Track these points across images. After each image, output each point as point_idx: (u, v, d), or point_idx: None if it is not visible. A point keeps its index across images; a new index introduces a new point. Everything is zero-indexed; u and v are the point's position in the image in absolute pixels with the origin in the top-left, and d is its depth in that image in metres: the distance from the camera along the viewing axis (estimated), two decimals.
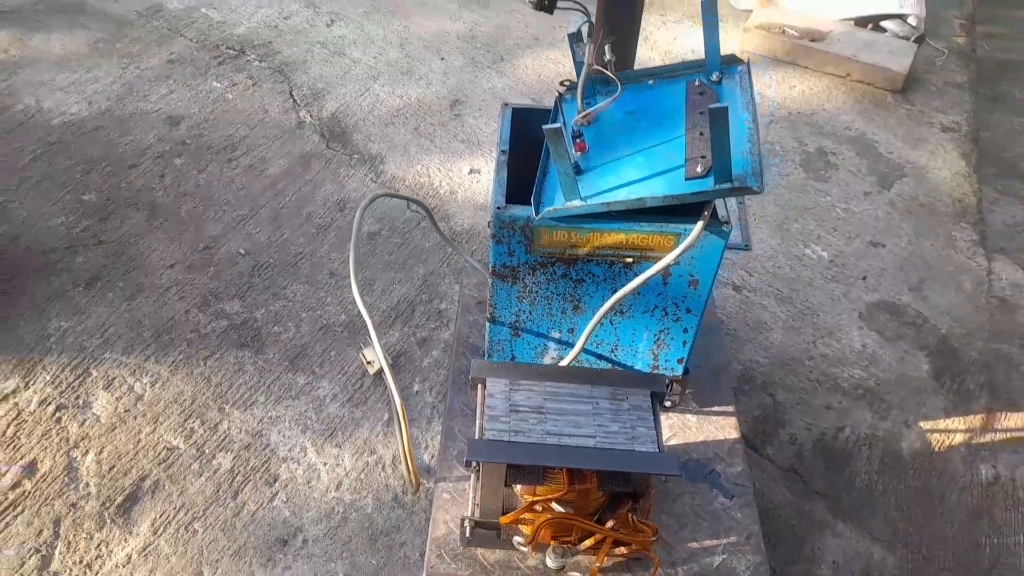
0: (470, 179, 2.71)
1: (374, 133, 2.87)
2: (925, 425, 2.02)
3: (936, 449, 1.97)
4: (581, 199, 1.36)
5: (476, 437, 1.36)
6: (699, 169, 1.32)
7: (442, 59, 3.24)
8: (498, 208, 1.42)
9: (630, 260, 1.45)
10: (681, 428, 1.76)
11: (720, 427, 1.76)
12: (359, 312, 2.16)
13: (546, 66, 3.24)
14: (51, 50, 3.09)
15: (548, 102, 3.04)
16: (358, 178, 2.67)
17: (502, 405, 1.39)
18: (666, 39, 3.45)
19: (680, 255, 1.38)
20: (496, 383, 1.43)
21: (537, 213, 1.40)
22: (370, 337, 1.55)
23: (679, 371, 1.67)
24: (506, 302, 1.57)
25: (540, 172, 1.47)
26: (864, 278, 2.41)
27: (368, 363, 2.07)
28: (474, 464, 1.53)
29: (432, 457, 1.88)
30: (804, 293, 2.36)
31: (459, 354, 1.92)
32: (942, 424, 2.03)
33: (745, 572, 1.50)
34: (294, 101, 2.97)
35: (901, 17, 3.35)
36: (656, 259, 1.43)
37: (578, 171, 1.42)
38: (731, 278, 2.38)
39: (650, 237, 1.41)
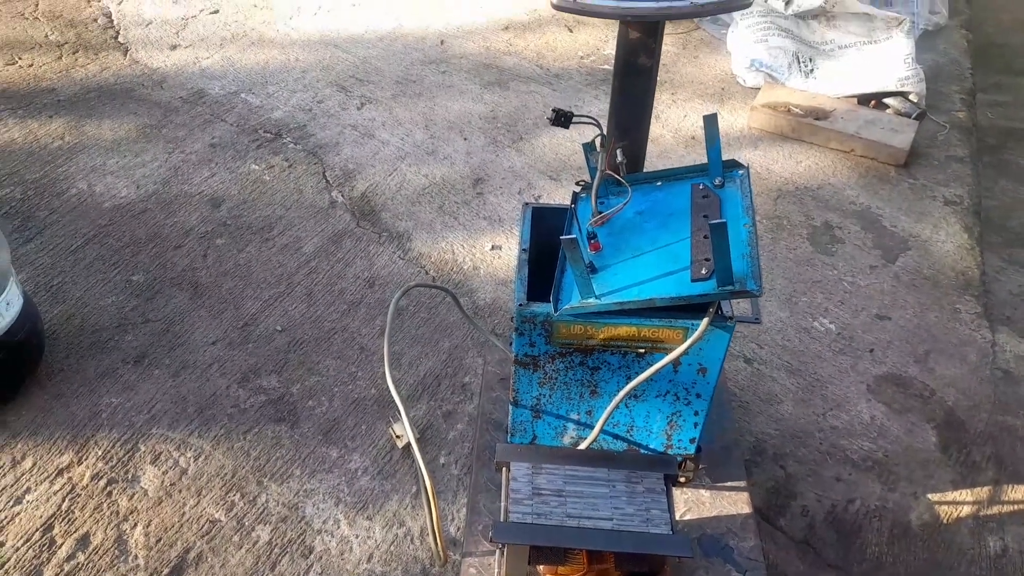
0: (492, 255, 2.86)
1: (401, 212, 3.04)
2: (933, 497, 2.09)
3: (944, 521, 2.04)
4: (596, 297, 1.50)
5: (501, 519, 1.47)
6: (703, 272, 1.45)
7: (465, 139, 3.44)
8: (520, 305, 1.56)
9: (642, 350, 1.58)
10: (695, 503, 1.85)
11: (733, 502, 1.85)
12: (388, 387, 2.30)
13: (563, 144, 3.42)
14: (102, 136, 3.33)
15: (565, 180, 3.24)
16: (387, 255, 2.84)
17: (525, 488, 1.50)
18: (676, 117, 3.63)
19: (688, 348, 1.50)
20: (519, 467, 1.54)
21: (556, 310, 1.53)
22: (403, 421, 1.68)
23: (691, 450, 1.77)
24: (528, 387, 1.69)
25: (558, 271, 1.61)
26: (871, 351, 2.50)
27: (397, 437, 2.19)
28: (498, 543, 1.64)
29: (458, 529, 1.98)
30: (813, 365, 2.45)
31: (483, 431, 2.04)
32: (950, 496, 2.10)
33: None
34: (327, 182, 3.17)
35: (902, 94, 3.51)
36: (666, 350, 1.55)
37: (593, 270, 1.56)
38: (742, 351, 2.49)
39: (660, 331, 1.54)
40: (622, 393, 1.56)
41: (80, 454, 2.12)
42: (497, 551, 1.64)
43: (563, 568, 1.43)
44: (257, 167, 3.22)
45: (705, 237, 1.52)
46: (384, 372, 1.69)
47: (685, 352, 1.51)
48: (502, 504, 1.51)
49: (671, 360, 1.52)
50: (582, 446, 1.69)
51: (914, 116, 3.43)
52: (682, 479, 1.85)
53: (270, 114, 3.53)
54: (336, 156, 3.30)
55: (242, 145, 3.33)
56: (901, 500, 2.08)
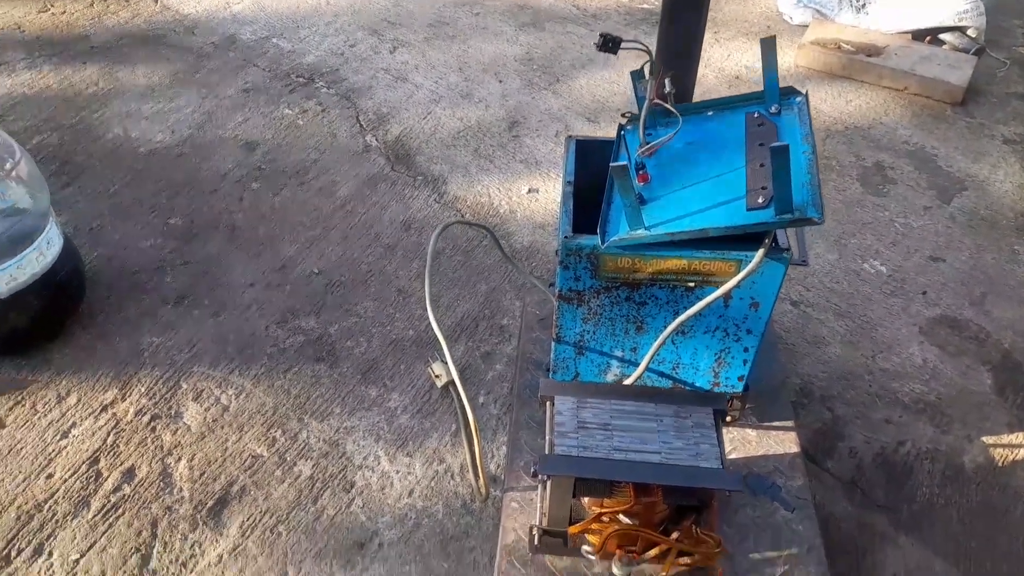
0: (529, 199, 2.81)
1: (436, 155, 2.99)
2: (988, 440, 2.03)
3: (1000, 464, 1.98)
4: (645, 228, 1.44)
5: (546, 452, 1.45)
6: (760, 200, 1.38)
7: (500, 82, 3.36)
8: (566, 237, 1.51)
9: (692, 284, 1.52)
10: (741, 442, 1.81)
11: (780, 441, 1.81)
12: (426, 327, 2.28)
13: (600, 86, 3.32)
14: (136, 82, 3.31)
15: (603, 121, 3.14)
16: (422, 199, 2.80)
17: (570, 422, 1.47)
18: (720, 56, 3.49)
19: (741, 281, 1.45)
20: (564, 401, 1.51)
21: (603, 242, 1.48)
22: (445, 357, 1.65)
23: (739, 388, 1.73)
24: (571, 323, 1.65)
25: (605, 202, 1.55)
26: (924, 293, 2.42)
27: (436, 376, 2.18)
28: (542, 476, 1.62)
29: (498, 467, 1.98)
30: (862, 308, 2.38)
31: (523, 369, 2.01)
32: (1005, 439, 2.03)
33: None
34: (361, 126, 3.12)
35: (960, 29, 3.33)
36: (718, 283, 1.50)
37: (642, 201, 1.50)
38: (788, 293, 2.42)
39: (712, 263, 1.48)
40: (671, 327, 1.51)
41: (124, 391, 2.14)
42: (539, 486, 1.63)
43: (609, 501, 1.41)
44: (290, 111, 3.18)
45: (761, 166, 1.45)
46: (424, 309, 1.66)
47: (738, 285, 1.45)
48: (546, 438, 1.48)
49: (723, 293, 1.46)
50: (627, 383, 1.65)
51: (972, 52, 3.25)
52: (728, 418, 1.81)
53: (302, 59, 3.47)
54: (369, 100, 3.25)
55: (275, 90, 3.29)
56: (954, 443, 2.02)
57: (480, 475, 1.81)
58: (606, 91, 3.29)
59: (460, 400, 2.10)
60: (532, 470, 1.68)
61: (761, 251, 1.42)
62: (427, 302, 1.66)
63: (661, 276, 1.52)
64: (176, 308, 2.39)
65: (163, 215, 2.70)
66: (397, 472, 1.98)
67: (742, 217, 1.38)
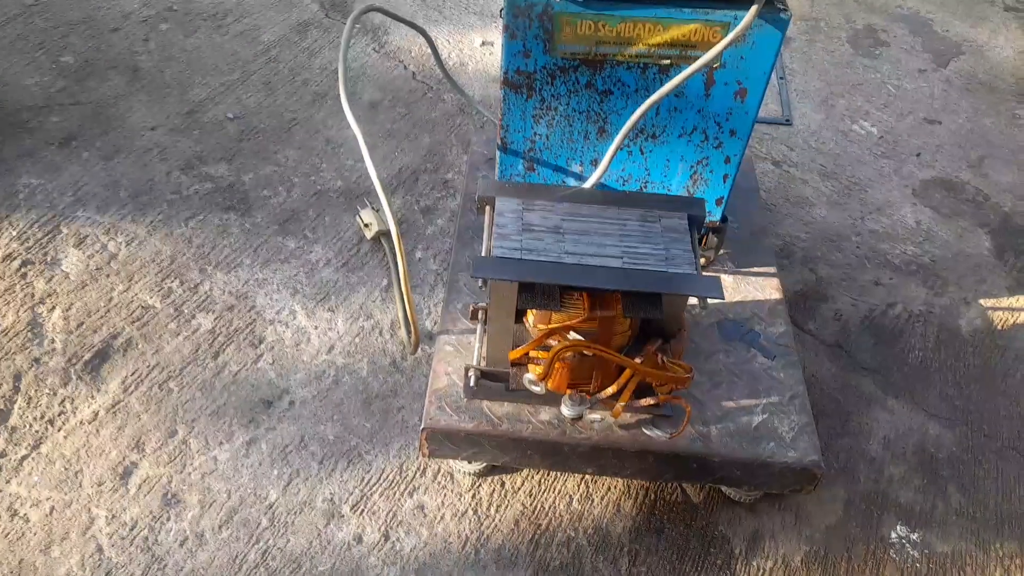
0: (482, 51, 2.48)
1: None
2: (986, 303, 1.81)
3: (998, 327, 1.76)
4: None
5: (483, 255, 1.16)
6: None
7: None
8: None
9: (667, 62, 1.23)
10: None
11: (760, 287, 1.56)
12: (357, 179, 1.96)
13: None
14: None
15: None
16: (359, 47, 2.44)
17: (513, 224, 1.19)
18: None
19: (729, 46, 1.16)
20: (507, 202, 1.22)
21: None
22: (373, 181, 1.32)
23: (717, 215, 1.46)
24: (520, 123, 1.36)
25: None
26: (918, 154, 2.17)
27: (365, 226, 1.87)
28: (480, 314, 1.35)
29: (435, 323, 1.70)
30: (851, 169, 2.13)
31: (466, 210, 1.71)
32: (1005, 302, 1.81)
33: (789, 432, 1.31)
34: None
35: None
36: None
37: None
38: (770, 153, 2.15)
39: (692, 30, 1.19)
40: (644, 106, 1.22)
41: None
42: (478, 327, 1.35)
43: (558, 315, 1.13)
44: None
45: None
46: (344, 108, 1.33)
47: (725, 50, 1.17)
48: (484, 243, 1.20)
49: (708, 61, 1.17)
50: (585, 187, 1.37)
51: None
52: (701, 259, 1.54)
53: None
54: None
55: None
56: (949, 305, 1.80)
57: (412, 327, 1.52)
58: None
59: (392, 246, 1.81)
60: (471, 308, 1.41)
61: (755, 6, 1.13)
62: (343, 97, 1.33)
63: (629, 52, 1.23)
64: (62, 150, 2.02)
65: (53, 53, 2.31)
66: (315, 328, 1.68)
67: None
